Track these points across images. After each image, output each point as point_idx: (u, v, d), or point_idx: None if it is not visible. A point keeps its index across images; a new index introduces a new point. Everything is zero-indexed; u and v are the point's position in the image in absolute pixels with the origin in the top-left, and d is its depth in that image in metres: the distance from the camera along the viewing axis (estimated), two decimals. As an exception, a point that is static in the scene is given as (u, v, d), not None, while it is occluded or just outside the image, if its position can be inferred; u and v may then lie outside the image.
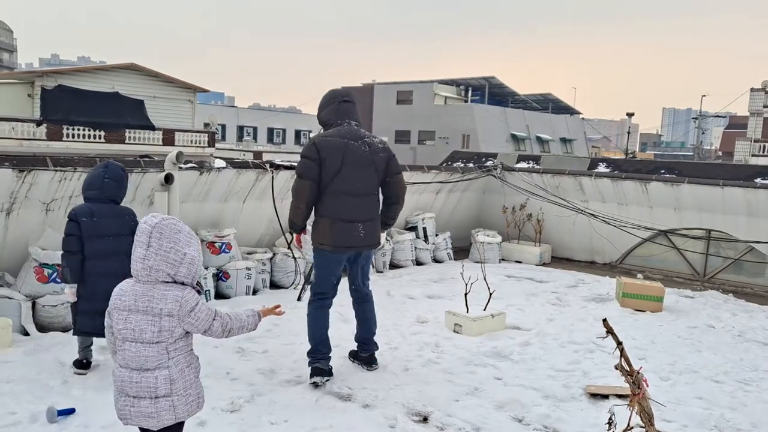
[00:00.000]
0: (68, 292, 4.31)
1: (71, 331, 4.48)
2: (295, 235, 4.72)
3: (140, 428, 2.72)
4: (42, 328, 5.14)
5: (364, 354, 4.75)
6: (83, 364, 4.38)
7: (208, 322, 2.67)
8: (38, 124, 24.64)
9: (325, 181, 4.33)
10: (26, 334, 5.00)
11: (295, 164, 7.28)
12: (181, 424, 2.73)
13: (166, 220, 2.64)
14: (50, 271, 5.28)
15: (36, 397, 3.90)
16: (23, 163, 5.14)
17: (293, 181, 4.46)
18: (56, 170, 5.27)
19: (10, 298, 5.04)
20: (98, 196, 4.35)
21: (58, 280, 5.23)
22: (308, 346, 4.47)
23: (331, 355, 4.50)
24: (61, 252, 4.29)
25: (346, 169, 4.34)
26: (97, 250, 4.24)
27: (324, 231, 4.38)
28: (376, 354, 4.79)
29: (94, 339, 4.48)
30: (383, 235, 5.57)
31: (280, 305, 3.10)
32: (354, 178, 4.38)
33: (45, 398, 3.88)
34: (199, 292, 2.72)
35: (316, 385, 4.29)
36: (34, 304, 5.19)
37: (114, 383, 2.67)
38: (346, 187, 4.35)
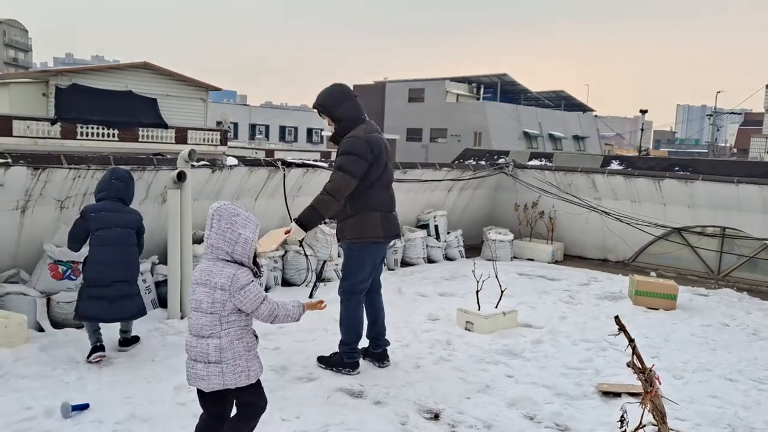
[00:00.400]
0: None
1: (76, 318, 4.74)
2: (284, 229, 4.38)
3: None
4: (57, 324, 5.18)
5: (377, 350, 4.77)
6: (97, 347, 4.54)
7: (256, 304, 2.92)
8: (53, 122, 24.88)
9: (376, 175, 4.44)
10: (41, 330, 5.05)
11: (308, 162, 7.37)
12: (240, 391, 2.95)
13: (226, 204, 2.99)
14: (64, 268, 5.33)
15: (51, 393, 3.94)
16: (38, 161, 5.18)
17: (337, 175, 4.33)
18: (70, 168, 5.31)
19: (25, 294, 5.10)
20: (107, 196, 4.75)
21: (73, 277, 5.31)
22: (319, 344, 4.49)
23: None
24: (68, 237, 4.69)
25: (389, 163, 4.60)
26: (103, 239, 4.55)
27: (374, 224, 4.47)
28: (387, 350, 4.80)
29: (102, 331, 4.64)
30: None
31: (323, 300, 3.31)
32: (392, 172, 4.69)
33: (60, 394, 3.91)
34: (256, 274, 2.99)
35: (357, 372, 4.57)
36: (48, 301, 5.24)
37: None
38: (387, 181, 4.60)
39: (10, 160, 4.98)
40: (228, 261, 2.93)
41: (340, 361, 4.57)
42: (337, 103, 4.49)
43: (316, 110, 4.63)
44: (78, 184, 5.44)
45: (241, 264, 2.94)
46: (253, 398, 3.03)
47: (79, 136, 25.33)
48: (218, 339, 2.88)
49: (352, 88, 4.70)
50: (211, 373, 2.88)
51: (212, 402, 3.02)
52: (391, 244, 8.10)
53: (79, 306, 4.57)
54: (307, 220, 4.35)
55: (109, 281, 4.50)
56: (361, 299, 4.63)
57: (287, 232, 4.32)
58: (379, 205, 4.52)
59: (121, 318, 4.66)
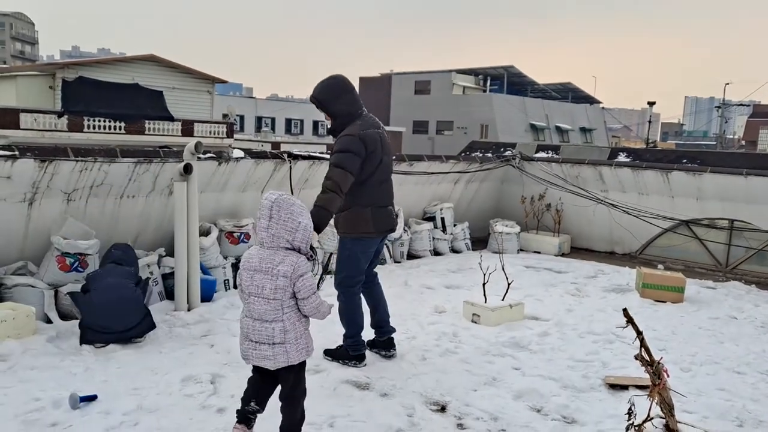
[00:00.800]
0: None
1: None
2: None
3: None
4: (64, 316, 5.21)
5: (383, 338, 4.77)
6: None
7: (309, 293, 3.15)
8: (59, 115, 24.92)
9: (368, 171, 4.40)
10: (49, 321, 5.07)
11: (314, 154, 7.36)
12: (294, 367, 3.23)
13: (283, 195, 3.19)
14: (72, 260, 5.35)
15: (59, 384, 3.96)
16: (45, 153, 5.19)
17: (335, 172, 4.24)
18: (77, 160, 5.32)
19: (33, 286, 5.11)
20: (107, 262, 5.16)
21: (80, 269, 5.33)
22: (325, 336, 4.49)
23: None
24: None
25: (385, 158, 4.53)
26: (102, 284, 4.75)
27: (366, 219, 4.46)
28: (393, 338, 4.81)
29: None
30: None
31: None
32: (388, 166, 4.62)
33: (68, 385, 3.94)
34: (310, 258, 3.21)
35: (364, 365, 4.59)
36: (56, 293, 5.26)
37: (240, 329, 3.25)
38: (383, 176, 4.54)
39: (17, 153, 4.99)
40: (288, 249, 3.14)
41: (346, 354, 4.58)
42: (334, 97, 4.40)
43: (313, 103, 4.55)
44: (85, 177, 5.45)
45: (299, 250, 3.16)
46: (300, 374, 3.29)
47: (85, 129, 25.35)
48: (282, 322, 3.12)
49: (357, 80, 4.68)
50: (276, 353, 3.13)
51: (272, 375, 3.26)
52: (396, 236, 8.09)
53: (80, 332, 4.69)
54: (318, 221, 4.11)
55: (103, 315, 4.61)
56: (356, 291, 4.62)
57: None
58: (371, 200, 4.48)
59: (127, 339, 4.75)
